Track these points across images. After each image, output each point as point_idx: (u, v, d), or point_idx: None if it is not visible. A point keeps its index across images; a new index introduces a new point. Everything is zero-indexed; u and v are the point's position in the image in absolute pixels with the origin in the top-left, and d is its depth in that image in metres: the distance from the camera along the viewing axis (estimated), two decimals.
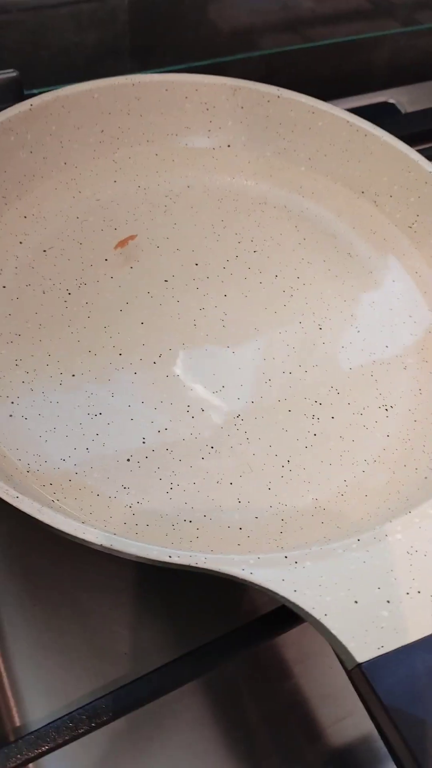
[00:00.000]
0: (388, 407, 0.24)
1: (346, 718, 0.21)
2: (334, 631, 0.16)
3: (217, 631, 0.19)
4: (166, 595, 0.22)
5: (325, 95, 0.31)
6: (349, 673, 0.16)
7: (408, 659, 0.16)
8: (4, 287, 0.25)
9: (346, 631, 0.16)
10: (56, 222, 0.27)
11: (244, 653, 0.20)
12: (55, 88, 0.28)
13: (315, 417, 0.23)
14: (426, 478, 0.22)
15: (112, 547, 0.17)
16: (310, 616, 0.16)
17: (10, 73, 0.30)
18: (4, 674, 0.21)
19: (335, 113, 0.29)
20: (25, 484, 0.20)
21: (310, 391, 0.24)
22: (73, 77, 0.35)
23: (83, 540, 0.17)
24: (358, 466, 0.22)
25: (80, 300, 0.25)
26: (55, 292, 0.25)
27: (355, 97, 0.40)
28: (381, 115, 0.39)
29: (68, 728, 0.18)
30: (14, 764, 0.17)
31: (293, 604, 0.17)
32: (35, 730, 0.18)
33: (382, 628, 0.16)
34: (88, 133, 0.29)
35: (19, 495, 0.17)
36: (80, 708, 0.18)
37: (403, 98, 0.41)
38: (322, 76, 0.43)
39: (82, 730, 0.18)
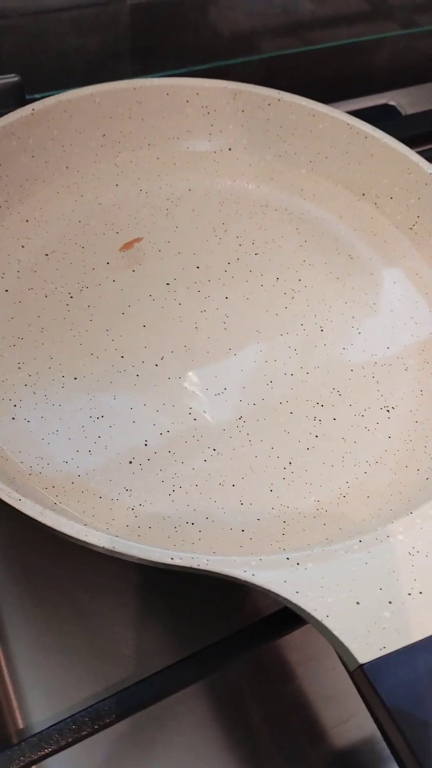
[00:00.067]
0: (390, 408, 0.24)
1: (349, 720, 0.21)
2: (336, 633, 0.16)
3: (220, 633, 0.19)
4: (168, 596, 0.22)
5: (326, 98, 0.31)
6: (351, 674, 0.16)
7: (410, 660, 0.16)
8: (7, 291, 0.25)
9: (348, 632, 0.16)
10: (58, 226, 0.28)
11: (247, 655, 0.20)
12: (57, 93, 0.28)
13: (317, 419, 0.23)
14: (427, 479, 0.22)
15: (114, 549, 0.17)
16: (312, 617, 0.16)
17: (12, 78, 0.30)
18: (6, 676, 0.21)
19: (336, 116, 0.30)
20: (27, 486, 0.20)
21: (312, 393, 0.24)
22: (74, 81, 0.35)
23: (86, 542, 0.17)
24: (360, 468, 0.22)
25: (82, 303, 0.25)
26: (57, 296, 0.25)
27: (355, 100, 0.40)
28: (381, 117, 0.39)
29: (71, 730, 0.18)
30: (17, 767, 0.17)
31: (295, 605, 0.17)
32: (38, 733, 0.18)
33: (383, 629, 0.16)
34: (89, 138, 0.29)
35: (22, 498, 0.17)
36: (83, 710, 0.18)
37: (404, 100, 0.41)
38: (323, 79, 0.43)
39: (84, 733, 0.18)
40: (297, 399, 0.24)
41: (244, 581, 0.17)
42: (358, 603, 0.17)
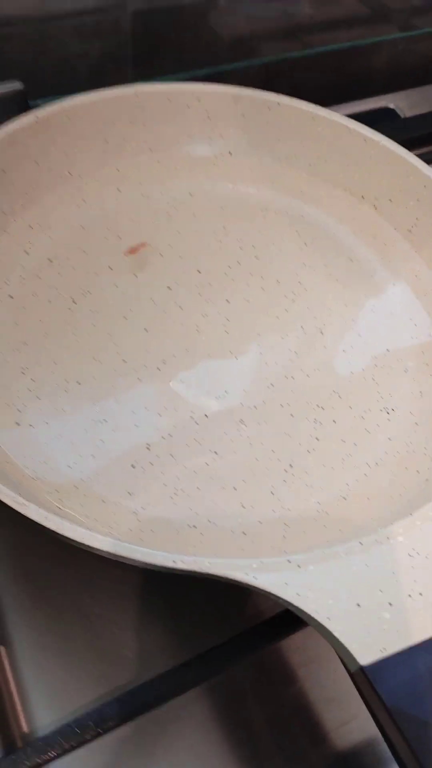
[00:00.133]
0: (390, 410, 0.24)
1: (351, 722, 0.21)
2: (336, 634, 0.16)
3: (222, 635, 0.20)
4: (170, 599, 0.22)
5: (325, 101, 0.32)
6: (352, 675, 0.17)
7: (410, 661, 0.16)
8: (11, 297, 0.26)
9: (348, 634, 0.16)
10: (61, 231, 0.28)
11: (249, 657, 0.20)
12: (59, 99, 0.29)
13: (317, 421, 0.24)
14: (427, 480, 0.22)
15: (117, 553, 0.17)
16: (313, 619, 0.17)
17: (15, 85, 0.30)
18: (10, 679, 0.21)
19: (335, 119, 0.30)
20: (31, 490, 0.20)
21: (312, 396, 0.24)
22: (76, 87, 0.36)
23: (89, 546, 0.17)
24: (360, 470, 0.23)
25: (85, 308, 0.26)
26: (60, 301, 0.26)
27: (354, 103, 0.41)
28: (381, 120, 0.39)
29: (75, 734, 0.18)
30: None
31: (296, 608, 0.17)
32: (43, 737, 0.18)
33: (384, 630, 0.17)
34: (92, 143, 0.29)
35: (27, 502, 0.17)
36: (87, 714, 0.18)
37: (402, 103, 0.42)
38: (322, 82, 0.43)
39: (89, 736, 0.18)
40: (297, 401, 0.24)
41: (246, 584, 0.17)
42: (358, 605, 0.17)
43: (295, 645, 0.22)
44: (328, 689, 0.21)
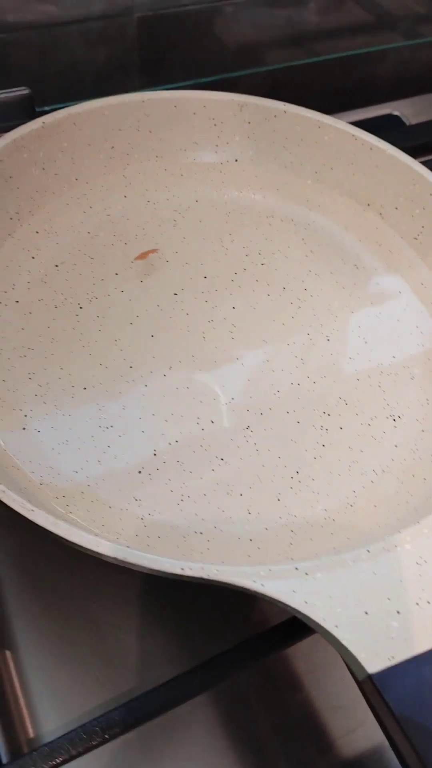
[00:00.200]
0: (396, 417, 0.24)
1: (357, 730, 0.21)
2: (344, 642, 0.16)
3: (228, 641, 0.20)
4: (176, 605, 0.22)
5: (330, 108, 0.32)
6: (359, 684, 0.17)
7: (419, 669, 0.16)
8: (17, 302, 0.26)
9: (356, 642, 0.16)
10: (68, 237, 0.28)
11: (255, 664, 0.20)
12: (66, 105, 0.29)
13: (323, 428, 0.24)
14: None
15: (125, 559, 0.17)
16: (321, 627, 0.17)
17: (23, 91, 0.30)
18: (17, 684, 0.21)
19: (341, 127, 0.30)
20: (38, 496, 0.20)
21: (319, 402, 0.24)
22: (82, 93, 0.36)
23: (97, 552, 0.17)
24: (367, 477, 0.23)
25: (91, 314, 0.26)
26: (66, 307, 0.26)
27: (359, 110, 0.41)
28: (386, 128, 0.40)
29: (82, 740, 0.18)
30: None
31: (304, 615, 0.17)
32: (49, 742, 0.18)
33: (392, 638, 0.17)
34: (98, 150, 0.29)
35: (35, 508, 0.17)
36: (94, 720, 0.18)
37: (407, 110, 0.42)
38: (328, 90, 0.43)
39: (95, 742, 0.18)
40: (304, 408, 0.24)
41: (254, 591, 0.17)
42: (366, 613, 0.17)
43: (301, 652, 0.22)
44: (334, 696, 0.21)
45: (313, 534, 0.21)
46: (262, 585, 0.17)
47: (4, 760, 0.19)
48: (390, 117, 0.41)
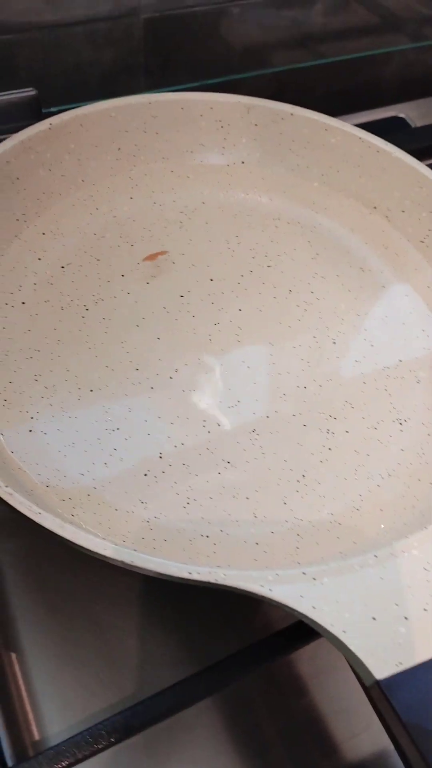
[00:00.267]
0: (402, 421, 0.24)
1: (361, 734, 0.21)
2: (352, 648, 0.16)
3: (233, 645, 0.20)
4: (181, 608, 0.22)
5: (336, 110, 0.32)
6: (367, 689, 0.17)
7: (426, 676, 0.16)
8: (24, 303, 0.26)
9: (364, 647, 0.16)
10: (74, 238, 0.28)
11: (260, 668, 0.20)
12: (72, 106, 0.29)
13: (329, 431, 0.24)
14: None
15: (132, 563, 0.17)
16: (329, 632, 0.17)
17: (30, 92, 0.30)
18: (22, 686, 0.21)
19: (348, 130, 0.30)
20: (44, 499, 0.20)
21: (325, 406, 0.24)
22: (87, 95, 0.36)
23: (103, 555, 0.17)
24: (373, 480, 0.23)
25: (97, 316, 0.26)
26: (73, 308, 0.26)
27: (365, 112, 0.41)
28: (391, 130, 0.40)
29: (87, 743, 0.18)
30: None
31: (312, 620, 0.17)
32: (55, 746, 0.18)
33: (399, 644, 0.17)
34: (105, 151, 0.29)
35: (42, 511, 0.17)
36: (99, 723, 0.18)
37: (413, 113, 0.42)
38: (333, 92, 0.43)
39: (101, 746, 0.18)
40: (310, 411, 0.24)
41: (261, 596, 0.17)
42: (374, 618, 0.17)
43: (305, 656, 0.22)
44: (338, 701, 0.21)
45: (319, 538, 0.21)
46: (270, 590, 0.17)
47: (10, 763, 0.19)
48: (395, 119, 0.41)
